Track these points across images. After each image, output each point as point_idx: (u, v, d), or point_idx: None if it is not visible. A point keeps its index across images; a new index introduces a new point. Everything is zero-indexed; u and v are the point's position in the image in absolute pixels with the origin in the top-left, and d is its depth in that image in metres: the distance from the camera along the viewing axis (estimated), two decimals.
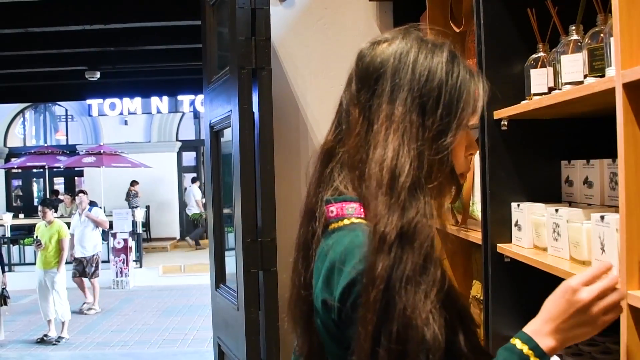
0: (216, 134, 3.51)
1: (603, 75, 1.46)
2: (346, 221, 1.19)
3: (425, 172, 1.15)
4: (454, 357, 1.12)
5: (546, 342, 1.14)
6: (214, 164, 3.54)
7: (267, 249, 2.87)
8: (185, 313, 9.26)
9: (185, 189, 18.17)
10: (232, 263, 3.23)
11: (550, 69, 1.80)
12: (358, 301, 1.08)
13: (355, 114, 1.23)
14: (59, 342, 7.75)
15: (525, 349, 1.13)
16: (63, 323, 7.88)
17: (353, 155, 1.21)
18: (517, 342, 1.15)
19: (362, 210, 1.19)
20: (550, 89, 1.79)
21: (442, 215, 1.23)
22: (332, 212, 1.21)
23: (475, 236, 2.13)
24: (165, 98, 16.53)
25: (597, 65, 1.52)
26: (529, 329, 1.17)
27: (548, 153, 2.00)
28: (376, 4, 3.54)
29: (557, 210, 1.67)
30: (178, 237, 18.09)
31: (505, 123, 1.95)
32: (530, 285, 1.96)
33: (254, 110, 2.92)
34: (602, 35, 1.53)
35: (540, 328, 1.16)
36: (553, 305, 1.18)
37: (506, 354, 1.14)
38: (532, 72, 1.86)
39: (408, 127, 1.16)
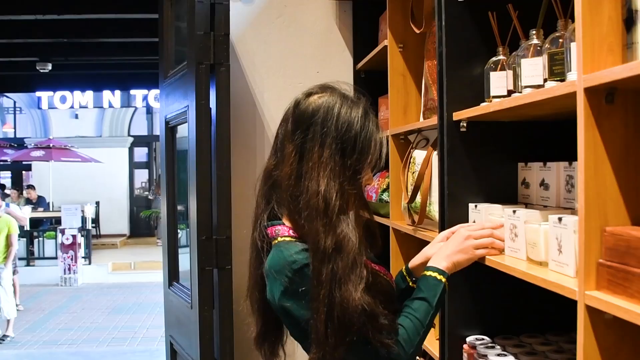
0: (172, 129, 3.46)
1: (563, 80, 1.49)
2: (276, 240, 1.61)
3: (346, 200, 1.56)
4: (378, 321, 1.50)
5: (442, 264, 1.69)
6: (168, 160, 3.49)
7: (223, 247, 2.85)
8: (135, 311, 9.13)
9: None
10: (185, 261, 3.20)
11: (510, 72, 1.82)
12: (297, 299, 1.50)
13: (290, 149, 1.59)
14: (3, 340, 7.55)
15: (431, 272, 1.67)
16: (8, 321, 7.67)
17: (286, 180, 1.58)
18: (427, 272, 1.68)
19: (287, 230, 1.60)
20: (510, 92, 1.81)
21: (360, 227, 1.62)
22: (268, 233, 1.63)
23: (432, 236, 2.14)
24: (117, 92, 16.24)
25: (556, 69, 1.55)
26: (432, 262, 1.71)
27: (506, 155, 2.02)
28: (336, 3, 3.55)
29: (514, 212, 1.68)
30: (128, 233, 17.86)
31: (465, 124, 1.96)
32: (486, 285, 1.98)
33: (211, 106, 2.89)
34: (561, 40, 1.55)
35: (438, 259, 1.71)
36: (446, 243, 1.77)
37: (423, 282, 1.67)
38: (492, 74, 1.88)
39: (333, 166, 1.54)
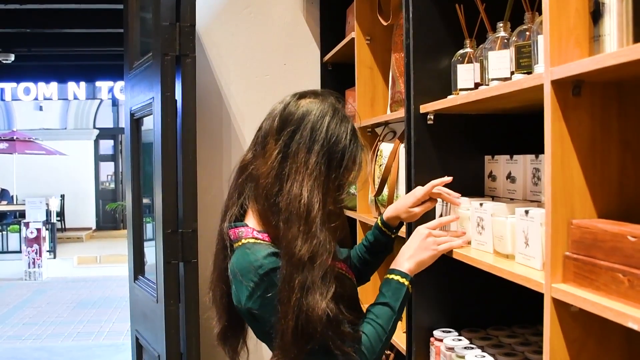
0: (137, 121, 3.41)
1: (530, 72, 1.49)
2: (239, 242, 1.57)
3: (327, 210, 1.53)
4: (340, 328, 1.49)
5: (405, 267, 1.67)
6: (133, 153, 3.44)
7: (188, 240, 2.81)
8: (100, 305, 9.01)
9: None
10: (151, 254, 3.16)
11: (477, 65, 1.81)
12: (262, 303, 1.48)
13: (272, 145, 1.56)
14: None
15: (394, 276, 1.65)
16: None
17: (264, 177, 1.54)
18: (390, 275, 1.66)
19: (251, 231, 1.57)
20: (477, 85, 1.80)
21: (334, 240, 1.57)
22: (231, 235, 1.59)
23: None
24: (82, 84, 15.95)
25: (523, 62, 1.54)
26: (395, 264, 1.69)
27: (473, 148, 2.02)
28: None
29: (481, 204, 1.68)
30: (94, 227, 17.66)
31: (432, 117, 1.96)
32: (452, 277, 1.98)
33: (176, 98, 2.84)
34: (528, 33, 1.55)
35: (401, 261, 1.69)
36: (407, 244, 1.73)
37: (386, 286, 1.65)
38: (459, 67, 1.87)
39: (318, 175, 1.52)
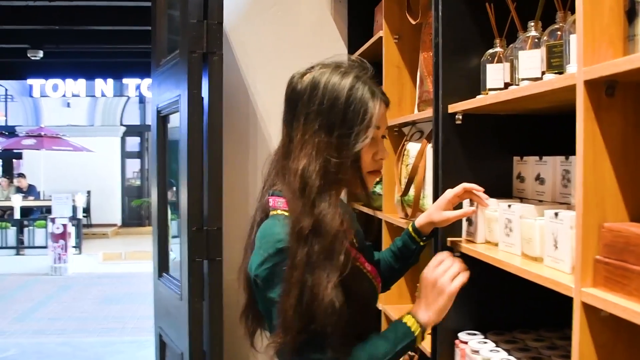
0: (163, 118, 3.42)
1: (561, 72, 1.46)
2: (275, 211, 1.54)
3: (331, 177, 1.47)
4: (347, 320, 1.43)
5: (424, 317, 1.57)
6: (159, 150, 3.45)
7: (213, 238, 2.81)
8: (125, 301, 9.06)
9: None
10: (176, 251, 3.17)
11: (507, 65, 1.79)
12: (269, 275, 1.44)
13: (283, 129, 1.58)
14: None
15: (409, 320, 1.56)
16: None
17: (280, 161, 1.56)
18: (405, 319, 1.57)
19: (286, 204, 1.51)
20: (507, 85, 1.78)
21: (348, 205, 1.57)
22: (270, 202, 1.57)
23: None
24: (110, 81, 16.12)
25: (554, 62, 1.52)
26: (416, 308, 1.59)
27: (501, 148, 2.00)
28: None
29: (509, 206, 1.66)
30: (119, 223, 17.79)
31: (460, 117, 1.93)
32: (480, 279, 1.95)
33: (203, 95, 2.85)
34: (559, 32, 1.53)
35: (422, 309, 1.58)
36: (421, 297, 1.62)
37: (397, 326, 1.57)
38: (489, 66, 1.85)
39: (317, 142, 1.47)
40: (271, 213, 1.55)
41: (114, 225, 17.41)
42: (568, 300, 1.26)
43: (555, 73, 1.49)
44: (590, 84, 1.19)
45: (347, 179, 1.52)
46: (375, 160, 1.58)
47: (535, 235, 1.52)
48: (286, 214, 1.50)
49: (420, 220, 1.83)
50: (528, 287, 1.53)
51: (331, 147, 1.47)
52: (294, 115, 1.52)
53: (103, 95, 16.73)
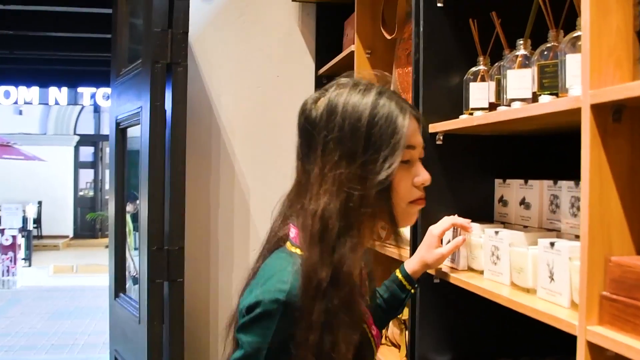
0: (122, 131, 3.28)
1: (555, 93, 1.39)
2: (290, 247, 1.31)
3: (353, 215, 1.23)
4: None
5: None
6: (118, 164, 3.31)
7: (174, 259, 2.67)
8: (76, 316, 8.79)
9: None
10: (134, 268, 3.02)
11: (493, 84, 1.71)
12: (252, 320, 1.20)
13: (299, 164, 1.34)
14: None
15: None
16: None
17: (295, 201, 1.33)
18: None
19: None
20: (492, 105, 1.70)
21: (374, 237, 1.38)
22: (291, 232, 1.33)
23: (401, 253, 2.02)
24: (64, 89, 15.76)
25: (547, 82, 1.45)
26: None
27: (482, 170, 1.92)
28: (299, 4, 3.41)
29: (497, 232, 1.58)
30: (72, 235, 17.41)
31: (441, 137, 1.85)
32: (459, 307, 1.88)
33: (166, 108, 2.72)
34: (552, 52, 1.45)
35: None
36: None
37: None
38: (472, 85, 1.77)
39: (337, 176, 1.23)
40: (288, 245, 1.32)
41: (66, 236, 17.06)
42: (547, 329, 1.18)
43: (548, 94, 1.42)
44: (597, 108, 1.11)
45: (372, 213, 1.27)
46: (415, 186, 1.34)
47: (527, 266, 1.44)
48: (300, 251, 1.28)
49: (412, 265, 1.68)
50: (506, 315, 1.46)
51: (354, 179, 1.23)
52: (310, 147, 1.29)
53: (57, 103, 16.33)
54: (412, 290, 1.67)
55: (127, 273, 3.39)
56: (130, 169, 3.30)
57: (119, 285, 3.26)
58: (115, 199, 3.30)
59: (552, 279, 1.32)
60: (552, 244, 1.32)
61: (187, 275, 2.74)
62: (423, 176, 1.35)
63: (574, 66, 1.30)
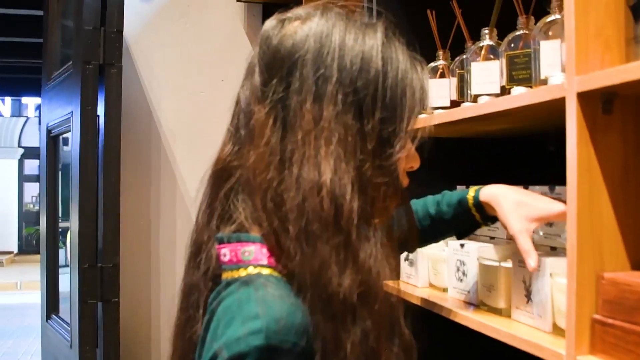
0: (54, 139, 3.04)
1: (530, 87, 1.22)
2: (242, 271, 0.85)
3: (371, 197, 0.86)
4: None
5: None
6: (49, 174, 3.07)
7: (109, 277, 2.44)
8: (18, 335, 8.42)
9: None
10: (66, 285, 2.77)
11: (454, 80, 1.55)
12: None
13: (262, 114, 0.88)
14: None
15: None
16: None
17: (260, 172, 0.86)
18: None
19: (263, 252, 0.86)
20: (454, 103, 1.53)
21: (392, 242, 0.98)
22: (224, 255, 0.88)
23: None
24: (7, 99, 15.28)
25: (517, 75, 1.28)
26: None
27: (442, 176, 1.74)
28: (244, 5, 3.21)
29: (462, 246, 1.40)
30: (16, 250, 16.89)
31: None
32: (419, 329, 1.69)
33: (99, 113, 2.50)
34: (521, 41, 1.29)
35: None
36: None
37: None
38: (432, 82, 1.59)
39: (343, 134, 0.84)
40: (236, 274, 0.85)
41: (10, 252, 16.54)
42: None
43: (521, 87, 1.25)
44: (584, 97, 0.94)
45: (387, 199, 0.92)
46: (405, 170, 1.00)
47: (499, 283, 1.26)
48: (266, 271, 0.84)
49: (486, 194, 1.28)
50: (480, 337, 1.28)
51: (367, 143, 0.86)
52: (288, 87, 0.87)
53: (0, 115, 15.89)
54: (483, 224, 1.30)
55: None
56: (64, 181, 3.06)
57: (51, 305, 3.01)
58: (47, 212, 3.06)
59: (530, 299, 1.14)
60: None
61: (124, 295, 2.51)
62: (415, 157, 1.01)
63: (550, 54, 1.14)
